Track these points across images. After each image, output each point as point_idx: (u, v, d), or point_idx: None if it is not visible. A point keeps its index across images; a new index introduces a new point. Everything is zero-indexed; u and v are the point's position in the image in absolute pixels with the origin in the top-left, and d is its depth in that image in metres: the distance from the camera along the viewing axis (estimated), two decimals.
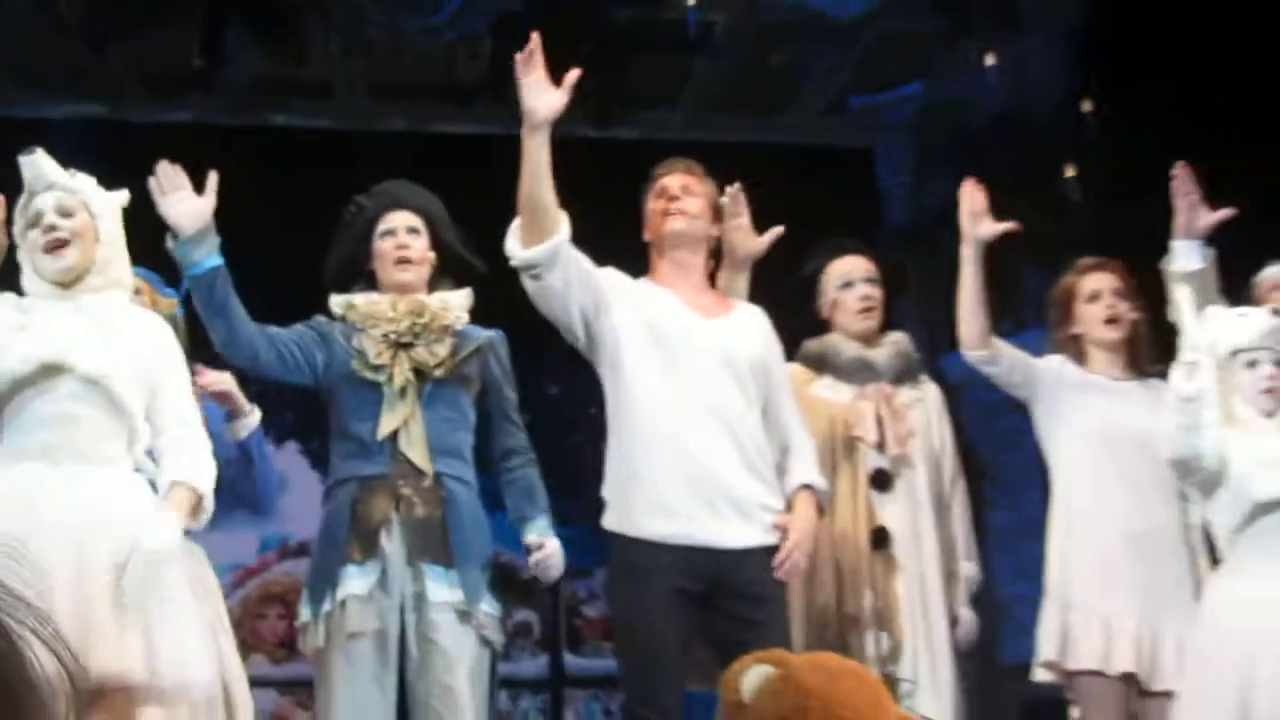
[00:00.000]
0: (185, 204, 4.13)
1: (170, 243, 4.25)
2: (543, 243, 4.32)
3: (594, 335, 4.53)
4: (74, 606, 3.42)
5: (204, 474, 3.87)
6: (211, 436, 4.06)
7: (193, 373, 4.14)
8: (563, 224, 4.38)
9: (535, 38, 4.24)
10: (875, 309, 5.14)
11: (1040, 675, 4.81)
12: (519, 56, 4.20)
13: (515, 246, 4.36)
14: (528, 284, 4.40)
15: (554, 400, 8.66)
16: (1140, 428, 4.74)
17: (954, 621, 5.05)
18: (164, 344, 3.90)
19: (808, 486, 4.56)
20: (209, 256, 4.24)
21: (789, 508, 4.52)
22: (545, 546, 4.53)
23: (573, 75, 4.24)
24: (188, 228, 4.16)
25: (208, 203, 4.15)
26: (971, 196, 4.96)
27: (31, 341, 3.70)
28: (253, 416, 4.49)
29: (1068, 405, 4.92)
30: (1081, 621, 4.70)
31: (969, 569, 5.12)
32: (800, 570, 4.50)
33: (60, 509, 3.56)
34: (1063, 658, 4.72)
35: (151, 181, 4.12)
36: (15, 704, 1.09)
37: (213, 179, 4.10)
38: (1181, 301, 4.47)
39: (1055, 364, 5.00)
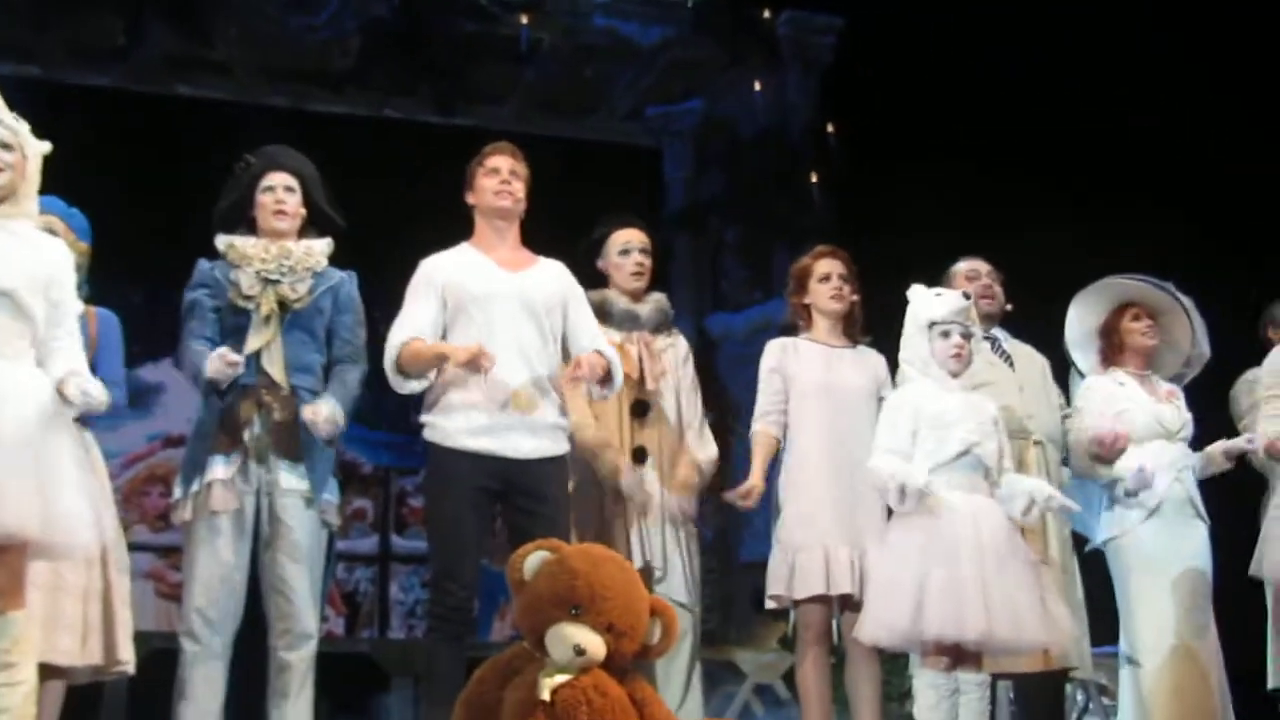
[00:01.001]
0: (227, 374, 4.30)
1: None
2: (414, 381, 4.43)
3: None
4: None
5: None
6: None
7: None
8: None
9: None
10: (645, 273, 5.10)
11: (770, 604, 4.78)
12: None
13: (394, 376, 4.42)
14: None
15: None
16: (850, 385, 4.77)
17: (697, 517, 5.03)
18: (63, 266, 3.72)
19: (597, 352, 4.49)
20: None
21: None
22: (317, 412, 4.35)
23: None
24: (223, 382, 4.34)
25: (236, 367, 4.29)
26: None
27: None
28: None
29: (795, 371, 4.86)
30: (806, 560, 4.64)
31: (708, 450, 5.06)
32: (590, 373, 4.43)
33: None
34: (790, 591, 4.68)
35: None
36: None
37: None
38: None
39: (778, 349, 4.93)
